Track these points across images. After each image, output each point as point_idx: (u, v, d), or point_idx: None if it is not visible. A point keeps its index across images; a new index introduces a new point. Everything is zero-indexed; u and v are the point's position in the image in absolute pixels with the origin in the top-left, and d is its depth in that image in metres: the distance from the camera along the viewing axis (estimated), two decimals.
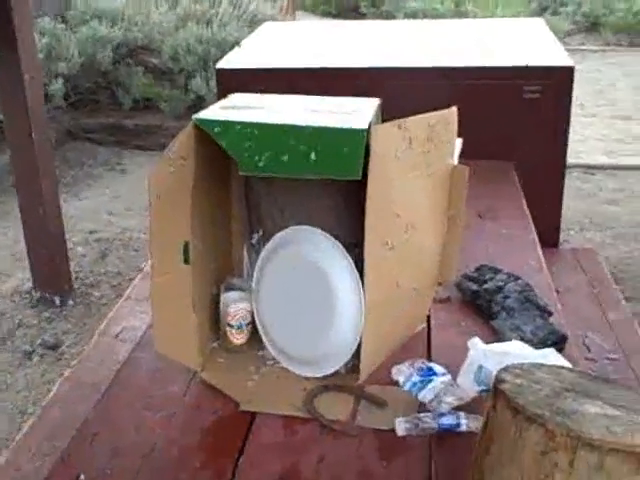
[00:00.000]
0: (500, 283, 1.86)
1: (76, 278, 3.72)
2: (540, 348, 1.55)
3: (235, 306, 1.61)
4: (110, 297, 3.57)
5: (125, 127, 5.88)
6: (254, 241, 1.70)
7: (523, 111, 3.09)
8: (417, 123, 1.48)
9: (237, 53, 3.65)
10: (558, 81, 3.06)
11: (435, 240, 1.67)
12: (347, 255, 1.48)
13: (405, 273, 1.56)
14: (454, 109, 1.60)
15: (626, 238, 4.12)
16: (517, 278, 1.88)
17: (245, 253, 1.71)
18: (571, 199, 4.32)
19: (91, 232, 4.30)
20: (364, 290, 1.46)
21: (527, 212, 2.47)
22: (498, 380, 1.13)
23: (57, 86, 5.57)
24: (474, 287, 1.87)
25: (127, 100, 5.97)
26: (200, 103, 5.78)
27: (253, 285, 1.63)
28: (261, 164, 1.44)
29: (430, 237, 1.64)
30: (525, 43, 3.61)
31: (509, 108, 3.10)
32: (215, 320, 1.65)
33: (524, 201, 2.56)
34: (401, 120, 1.44)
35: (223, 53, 5.61)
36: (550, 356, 1.42)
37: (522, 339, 1.63)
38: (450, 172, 1.64)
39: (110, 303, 3.47)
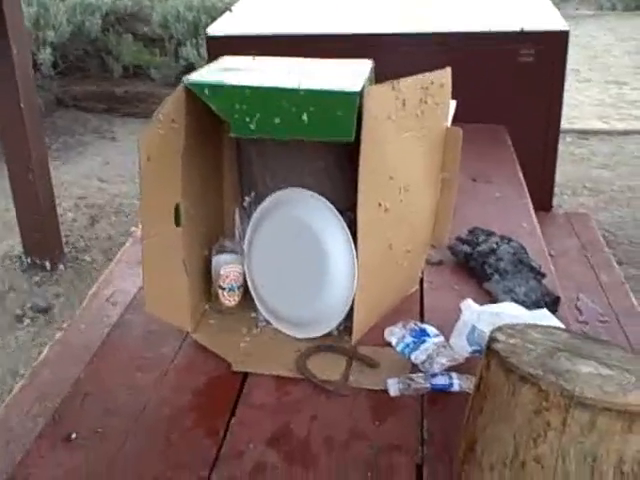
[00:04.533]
0: (493, 245, 1.85)
1: (66, 243, 3.71)
2: (533, 310, 1.55)
3: (227, 268, 1.60)
4: (101, 262, 3.56)
5: (115, 95, 5.82)
6: (246, 204, 1.68)
7: (517, 76, 3.07)
8: (411, 84, 1.46)
9: (227, 19, 3.60)
10: (552, 45, 3.04)
11: (429, 202, 1.66)
12: (339, 217, 1.47)
13: (398, 235, 1.55)
14: (448, 70, 1.57)
15: (619, 203, 4.12)
16: (510, 240, 1.87)
17: (237, 216, 1.69)
18: (565, 164, 4.32)
19: (81, 198, 4.28)
20: (357, 252, 1.45)
21: (521, 176, 2.46)
22: (491, 340, 1.13)
23: (46, 55, 5.51)
24: (467, 249, 1.86)
25: (117, 68, 5.92)
26: (191, 70, 5.70)
27: (245, 247, 1.61)
28: (252, 126, 1.42)
29: (424, 199, 1.63)
30: (519, 7, 3.57)
31: (503, 73, 3.07)
32: (207, 282, 1.64)
33: (518, 165, 2.55)
34: (394, 81, 1.41)
35: (213, 20, 5.54)
36: (543, 317, 1.41)
37: (515, 301, 1.62)
38: (444, 134, 1.62)
39: (101, 268, 3.45)
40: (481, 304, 1.54)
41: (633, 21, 8.59)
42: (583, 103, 5.77)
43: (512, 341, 1.13)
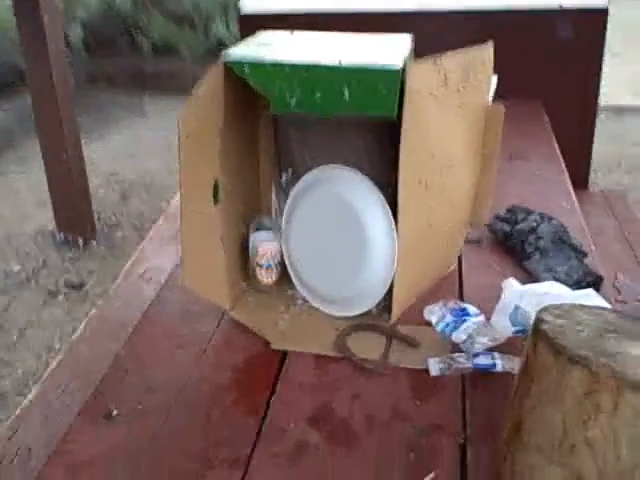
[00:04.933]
0: (533, 224, 1.82)
1: (98, 219, 3.73)
2: (575, 289, 1.52)
3: (264, 245, 1.59)
4: (133, 238, 3.58)
5: (145, 72, 5.82)
6: (283, 181, 1.67)
7: (555, 52, 3.01)
8: (453, 59, 1.43)
9: None
10: (591, 22, 2.97)
11: (469, 180, 1.63)
12: (380, 194, 1.45)
13: (438, 213, 1.53)
14: (490, 45, 1.54)
15: None
16: (550, 219, 1.84)
17: (273, 193, 1.68)
18: (599, 141, 4.22)
19: (112, 174, 4.30)
20: (397, 230, 1.43)
21: (559, 153, 2.42)
22: (538, 320, 1.10)
23: (76, 31, 5.51)
24: (506, 228, 1.84)
25: (146, 45, 5.91)
26: (220, 47, 5.68)
27: (283, 224, 1.60)
28: (293, 103, 1.39)
29: (464, 177, 1.60)
30: None
31: (541, 49, 3.01)
32: (244, 260, 1.63)
33: (555, 142, 2.51)
34: (436, 56, 1.38)
35: None
36: (589, 297, 1.39)
37: (556, 280, 1.59)
38: (485, 111, 1.59)
39: (132, 243, 3.48)
40: (522, 283, 1.52)
41: None
42: (617, 80, 5.65)
43: (559, 322, 1.10)
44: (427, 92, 1.39)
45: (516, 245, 1.78)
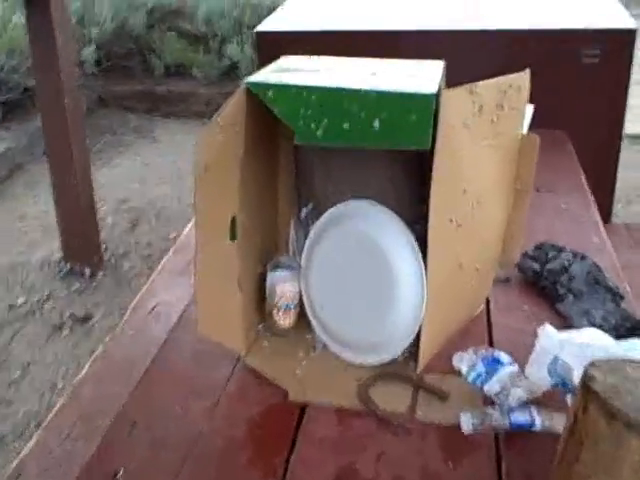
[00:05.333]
0: (565, 263, 1.71)
1: (106, 249, 3.63)
2: (613, 335, 1.41)
3: (282, 286, 1.49)
4: (141, 269, 3.48)
5: (157, 94, 5.76)
6: (302, 216, 1.57)
7: (581, 77, 2.91)
8: (488, 88, 1.33)
9: (277, 16, 3.49)
10: (619, 45, 2.87)
11: (500, 216, 1.53)
12: (409, 233, 1.35)
13: (469, 253, 1.43)
14: (527, 73, 1.45)
15: None
16: (583, 257, 1.74)
17: (292, 229, 1.58)
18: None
19: (122, 201, 4.20)
20: (426, 271, 1.33)
21: (586, 186, 2.32)
22: (588, 377, 1.00)
23: (89, 52, 5.47)
24: (536, 267, 1.73)
25: (159, 66, 5.85)
26: (234, 69, 5.64)
27: (302, 263, 1.50)
28: (319, 133, 1.29)
29: (495, 213, 1.50)
30: (584, 3, 3.41)
31: (565, 74, 2.92)
32: (260, 300, 1.53)
33: (582, 174, 2.41)
34: (472, 84, 1.29)
35: (259, 17, 5.47)
36: (636, 348, 1.28)
37: (592, 325, 1.49)
38: (519, 142, 1.49)
39: (141, 275, 3.38)
40: (556, 327, 1.41)
41: None
42: (635, 107, 5.55)
43: (611, 380, 1.00)
44: (461, 123, 1.30)
45: (547, 286, 1.68)
